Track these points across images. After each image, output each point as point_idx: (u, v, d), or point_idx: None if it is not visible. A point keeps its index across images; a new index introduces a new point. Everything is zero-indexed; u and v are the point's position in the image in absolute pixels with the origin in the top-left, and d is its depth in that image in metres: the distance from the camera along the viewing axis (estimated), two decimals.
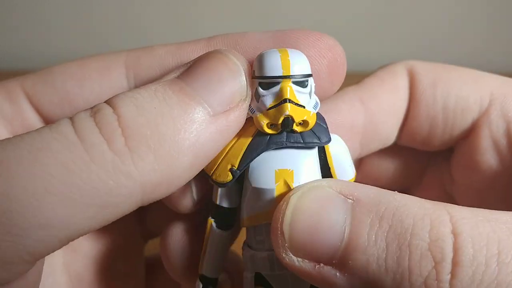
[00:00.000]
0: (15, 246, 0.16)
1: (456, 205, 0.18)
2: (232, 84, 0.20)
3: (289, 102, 0.20)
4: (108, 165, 0.17)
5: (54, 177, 0.16)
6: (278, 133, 0.21)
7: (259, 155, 0.21)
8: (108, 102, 0.19)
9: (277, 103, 0.20)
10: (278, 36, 0.23)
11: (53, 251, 0.18)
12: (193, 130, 0.18)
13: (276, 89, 0.20)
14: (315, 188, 0.19)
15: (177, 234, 0.26)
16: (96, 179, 0.17)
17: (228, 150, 0.21)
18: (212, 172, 0.21)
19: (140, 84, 0.24)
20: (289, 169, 0.21)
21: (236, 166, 0.21)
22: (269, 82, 0.20)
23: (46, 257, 0.26)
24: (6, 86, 0.24)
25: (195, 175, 0.20)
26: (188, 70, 0.20)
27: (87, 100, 0.24)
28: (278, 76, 0.20)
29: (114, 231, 0.28)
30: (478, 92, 0.26)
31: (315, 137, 0.21)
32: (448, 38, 0.74)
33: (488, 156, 0.26)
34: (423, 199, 0.19)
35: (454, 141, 0.28)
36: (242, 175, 0.22)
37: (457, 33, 0.73)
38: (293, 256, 0.19)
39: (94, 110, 0.18)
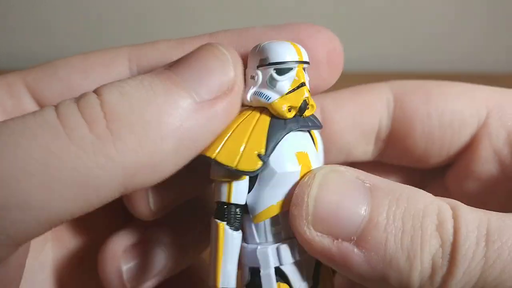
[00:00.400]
0: None
1: (450, 199, 0.20)
2: (220, 73, 0.20)
3: (305, 85, 0.21)
4: (88, 147, 0.17)
5: (33, 159, 0.16)
6: (291, 118, 0.22)
7: (283, 137, 0.21)
8: (94, 90, 0.19)
9: (295, 86, 0.21)
10: (280, 28, 0.24)
11: (34, 236, 0.18)
12: (177, 115, 0.18)
13: (291, 74, 0.21)
14: (337, 171, 0.21)
15: (118, 247, 0.25)
16: (75, 160, 0.17)
17: (248, 139, 0.21)
18: (236, 163, 0.21)
19: None
20: (304, 151, 0.22)
21: (264, 151, 0.21)
22: (286, 68, 0.21)
23: (36, 254, 0.25)
24: (7, 80, 0.24)
25: (184, 162, 0.20)
26: (178, 61, 0.20)
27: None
28: (296, 61, 0.21)
29: (105, 229, 0.27)
30: (474, 105, 0.27)
31: (315, 121, 0.23)
32: (447, 38, 0.74)
33: (489, 166, 0.27)
34: (427, 192, 0.21)
35: (452, 157, 0.28)
36: None
37: (455, 33, 0.74)
38: (313, 230, 0.20)
39: (78, 97, 0.18)
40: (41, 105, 0.25)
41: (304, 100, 0.21)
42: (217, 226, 0.21)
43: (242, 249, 0.22)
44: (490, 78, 0.56)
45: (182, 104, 0.19)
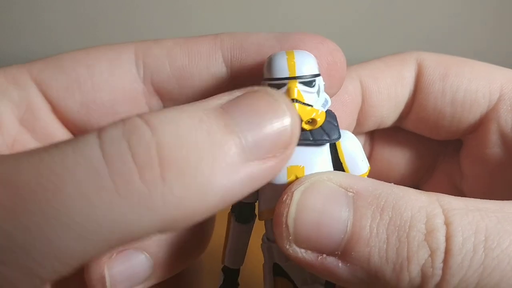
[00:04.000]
0: (30, 278, 0.16)
1: (448, 196, 0.19)
2: (277, 129, 0.18)
3: (296, 102, 0.21)
4: (134, 198, 0.16)
5: (73, 210, 0.15)
6: None
7: None
8: (146, 120, 0.17)
9: None
10: (282, 37, 0.23)
11: (63, 277, 0.17)
12: (227, 173, 0.17)
13: (283, 89, 0.21)
14: (317, 183, 0.20)
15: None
16: (117, 212, 0.16)
17: None
18: None
19: (149, 72, 0.24)
20: (300, 166, 0.22)
21: None
22: (277, 84, 0.21)
23: None
24: (11, 71, 0.24)
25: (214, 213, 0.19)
26: (235, 102, 0.18)
27: (97, 84, 0.24)
28: (284, 77, 0.21)
29: None
30: (488, 87, 0.27)
31: (324, 134, 0.22)
32: (448, 38, 0.74)
33: (496, 149, 0.27)
34: (418, 191, 0.20)
35: (462, 133, 0.28)
36: None
37: (458, 33, 0.74)
38: (296, 248, 0.19)
39: (128, 129, 0.16)
40: (47, 97, 0.24)
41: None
42: (228, 215, 0.25)
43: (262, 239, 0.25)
44: None
45: (232, 160, 0.17)
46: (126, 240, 0.17)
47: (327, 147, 0.22)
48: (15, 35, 0.75)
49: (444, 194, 0.20)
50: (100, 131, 0.16)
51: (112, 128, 0.16)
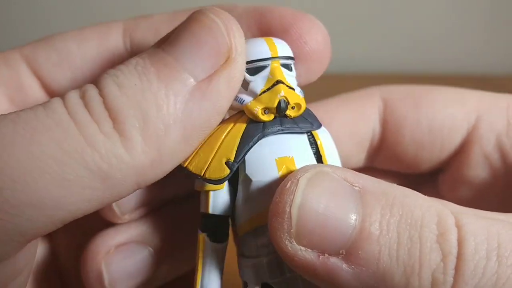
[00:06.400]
0: (4, 225, 0.16)
1: (452, 203, 0.18)
2: (212, 45, 0.18)
3: (283, 83, 0.19)
4: (101, 148, 0.17)
5: (49, 156, 0.16)
6: (271, 120, 0.20)
7: (255, 143, 0.20)
8: (94, 82, 0.18)
9: (269, 85, 0.20)
10: (261, 10, 0.22)
11: (45, 233, 0.17)
12: (176, 102, 0.17)
13: (265, 72, 0.20)
14: (323, 173, 0.18)
15: (100, 248, 0.23)
16: (90, 161, 0.16)
17: (220, 145, 0.20)
18: (203, 171, 0.20)
19: (135, 47, 0.24)
20: (289, 156, 0.20)
21: (232, 158, 0.19)
22: (258, 66, 0.20)
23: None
24: (4, 53, 0.24)
25: (196, 147, 0.19)
26: (169, 38, 0.19)
27: (86, 59, 0.24)
28: (267, 57, 0.20)
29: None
30: (463, 109, 0.26)
31: (307, 122, 0.21)
32: (441, 39, 0.74)
33: (479, 171, 0.26)
34: (422, 194, 0.18)
35: (443, 161, 0.28)
36: (235, 176, 0.20)
37: (450, 34, 0.74)
38: (296, 244, 0.17)
39: (82, 91, 0.18)
40: (38, 75, 0.24)
41: (282, 100, 0.19)
42: (198, 237, 0.21)
43: (238, 261, 0.21)
44: (484, 80, 0.57)
45: (178, 89, 0.18)
46: (108, 193, 0.17)
47: (306, 137, 0.21)
48: (13, 34, 0.74)
49: (446, 201, 0.18)
50: (63, 95, 0.18)
51: (70, 91, 0.18)
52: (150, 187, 0.22)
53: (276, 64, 0.20)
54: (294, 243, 0.17)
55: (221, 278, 0.21)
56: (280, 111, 0.19)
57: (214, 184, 0.20)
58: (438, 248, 0.17)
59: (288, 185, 0.18)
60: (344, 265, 0.17)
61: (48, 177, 0.16)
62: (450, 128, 0.26)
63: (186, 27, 0.19)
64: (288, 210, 0.17)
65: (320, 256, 0.17)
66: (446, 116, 0.26)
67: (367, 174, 0.28)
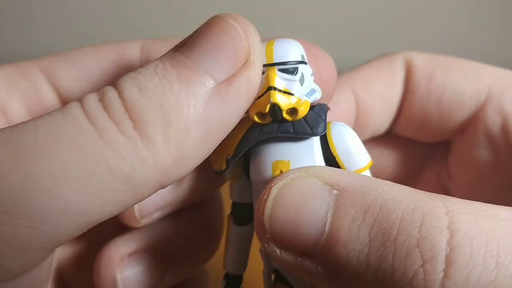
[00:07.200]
0: (36, 233, 0.16)
1: (454, 198, 0.17)
2: (232, 48, 0.19)
3: (275, 90, 0.20)
4: (121, 149, 0.17)
5: (71, 163, 0.16)
6: (271, 124, 0.21)
7: (251, 144, 0.21)
8: (113, 85, 0.18)
9: (263, 92, 0.20)
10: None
11: (73, 237, 0.18)
12: (197, 103, 0.18)
13: (262, 78, 0.20)
14: (298, 178, 0.19)
15: (114, 255, 0.24)
16: (112, 164, 0.17)
17: (226, 142, 0.20)
18: (213, 161, 0.22)
19: None
20: (285, 160, 0.20)
21: (231, 155, 0.21)
22: None
23: None
24: (21, 65, 0.25)
25: (213, 148, 0.19)
26: (188, 42, 0.19)
27: (104, 75, 0.25)
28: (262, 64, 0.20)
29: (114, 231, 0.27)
30: (476, 86, 0.26)
31: (307, 127, 0.20)
32: (440, 40, 0.74)
33: (483, 151, 0.26)
34: (418, 191, 0.17)
35: (449, 135, 0.28)
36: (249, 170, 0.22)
37: (448, 34, 0.74)
38: (275, 248, 0.18)
39: (100, 93, 0.18)
40: (56, 89, 0.25)
41: (274, 106, 0.20)
42: (226, 219, 0.24)
43: None
44: None
45: (199, 90, 0.18)
46: (132, 195, 0.17)
47: (315, 140, 0.21)
48: (8, 36, 0.74)
49: (448, 196, 0.17)
50: (81, 99, 0.18)
51: (88, 94, 0.18)
52: (165, 194, 0.24)
53: (271, 70, 0.20)
54: (273, 246, 0.18)
55: (245, 254, 0.24)
56: (273, 116, 0.20)
57: (217, 174, 0.22)
58: (417, 253, 0.16)
59: (262, 194, 0.19)
60: (320, 268, 0.17)
61: (72, 183, 0.16)
62: (458, 104, 0.26)
63: (204, 31, 0.19)
64: (261, 217, 0.18)
65: (298, 258, 0.18)
66: (456, 92, 0.26)
67: (386, 141, 0.30)
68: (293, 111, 0.20)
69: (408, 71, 0.28)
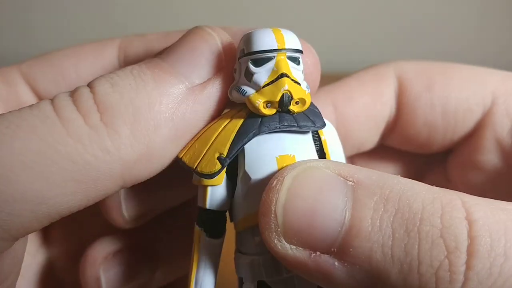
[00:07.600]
0: None
1: (465, 193, 0.17)
2: (208, 55, 0.20)
3: (287, 77, 0.19)
4: (84, 139, 0.17)
5: (31, 150, 0.16)
6: (270, 116, 0.19)
7: (250, 139, 0.19)
8: (88, 84, 0.19)
9: (273, 78, 0.19)
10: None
11: (32, 230, 0.17)
12: (169, 102, 0.18)
13: (270, 64, 0.19)
14: (312, 169, 0.18)
15: (98, 254, 0.24)
16: (73, 153, 0.17)
17: (215, 139, 0.19)
18: (196, 164, 0.19)
19: (129, 63, 0.24)
20: (291, 155, 0.19)
21: (225, 153, 0.19)
22: (263, 58, 0.19)
23: (32, 253, 0.25)
24: (3, 70, 0.25)
25: (180, 148, 0.19)
26: (167, 48, 0.20)
27: (81, 76, 0.25)
28: (273, 49, 0.19)
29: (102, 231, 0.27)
30: (480, 91, 0.25)
31: (309, 120, 0.20)
32: (442, 41, 0.74)
33: (491, 156, 0.26)
34: (429, 185, 0.17)
35: (455, 144, 0.27)
36: (234, 172, 0.20)
37: (446, 34, 0.74)
38: (286, 243, 0.17)
39: (73, 90, 0.18)
40: (36, 92, 0.25)
41: (285, 94, 0.18)
42: (194, 231, 0.21)
43: (234, 257, 0.21)
44: None
45: (173, 91, 0.18)
46: (92, 186, 0.17)
47: (310, 135, 0.20)
48: (8, 36, 0.75)
49: (459, 192, 0.17)
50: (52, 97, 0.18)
51: (62, 92, 0.18)
52: (154, 195, 0.23)
53: (282, 56, 0.19)
54: (284, 241, 0.17)
55: (216, 273, 0.21)
56: (283, 105, 0.19)
57: (206, 178, 0.19)
58: (441, 243, 0.15)
59: (274, 183, 0.17)
60: (337, 263, 0.16)
61: (30, 171, 0.16)
62: (465, 111, 0.26)
63: (182, 38, 0.20)
64: (273, 209, 0.17)
65: (312, 254, 0.17)
66: (461, 99, 0.25)
67: (380, 154, 0.29)
68: (301, 101, 0.19)
69: (401, 84, 0.26)
